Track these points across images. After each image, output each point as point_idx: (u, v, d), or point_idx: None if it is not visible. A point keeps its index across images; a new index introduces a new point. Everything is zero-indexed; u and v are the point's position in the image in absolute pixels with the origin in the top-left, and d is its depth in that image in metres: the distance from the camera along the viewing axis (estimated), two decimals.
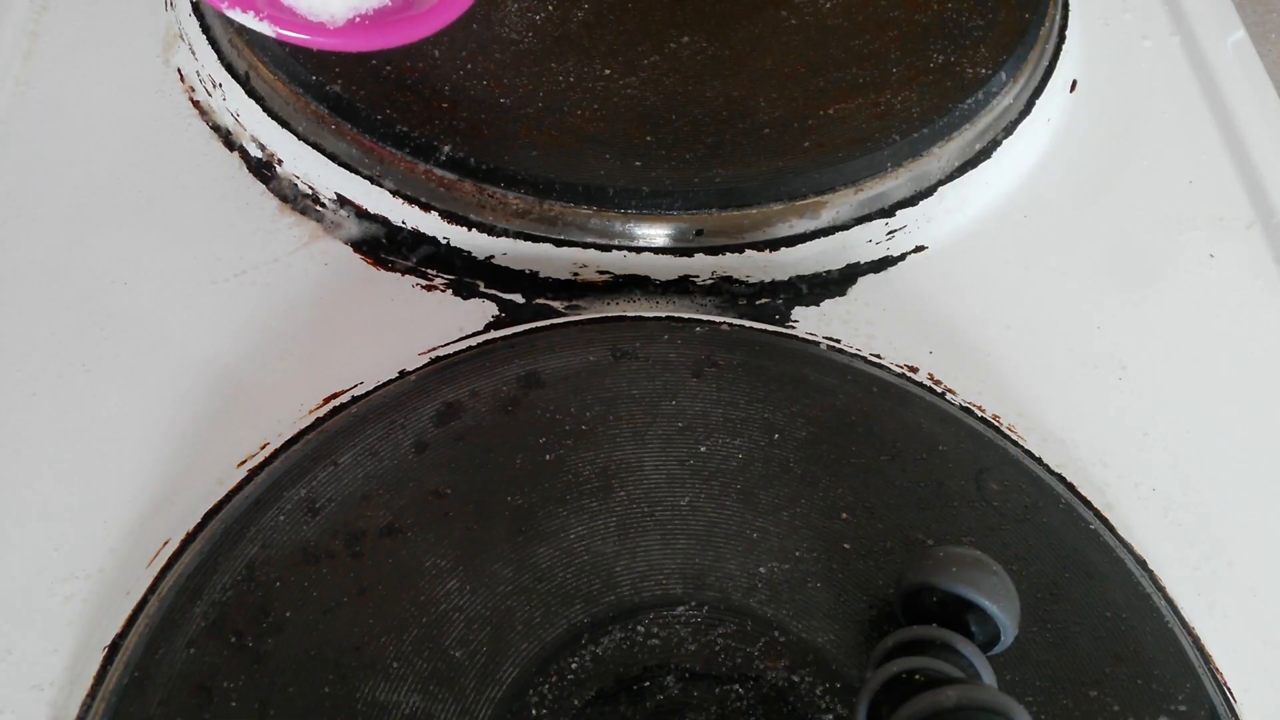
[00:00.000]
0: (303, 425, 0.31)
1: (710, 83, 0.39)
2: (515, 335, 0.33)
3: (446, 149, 0.36)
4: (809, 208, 0.37)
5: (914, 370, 0.35)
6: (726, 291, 0.37)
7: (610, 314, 0.35)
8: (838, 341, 0.35)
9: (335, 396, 0.32)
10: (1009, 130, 0.41)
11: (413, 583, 0.27)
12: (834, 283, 0.37)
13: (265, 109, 0.38)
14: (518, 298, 0.36)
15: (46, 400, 0.32)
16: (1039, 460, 0.32)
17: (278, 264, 0.36)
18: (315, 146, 0.37)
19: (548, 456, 0.30)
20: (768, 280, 0.37)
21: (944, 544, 0.28)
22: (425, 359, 0.33)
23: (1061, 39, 0.44)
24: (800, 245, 0.37)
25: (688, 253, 0.36)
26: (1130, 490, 0.34)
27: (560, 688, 0.26)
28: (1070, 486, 0.32)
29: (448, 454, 0.30)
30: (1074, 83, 0.44)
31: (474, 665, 0.26)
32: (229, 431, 0.32)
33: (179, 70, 0.41)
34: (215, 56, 0.39)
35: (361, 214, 0.37)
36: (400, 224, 0.36)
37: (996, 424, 0.33)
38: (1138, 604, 0.29)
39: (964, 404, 0.34)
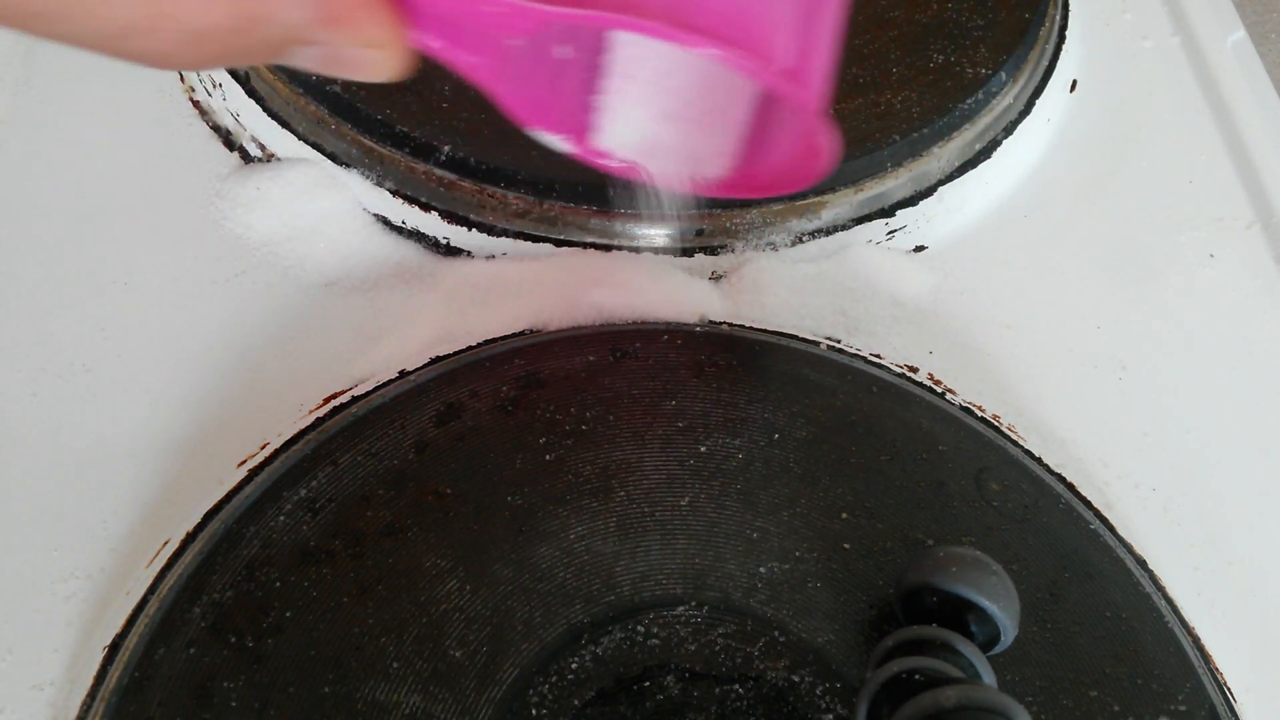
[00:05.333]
0: (303, 425, 0.31)
1: None
2: (515, 335, 0.33)
3: (446, 149, 0.36)
4: (809, 208, 0.37)
5: (914, 370, 0.35)
6: None
7: None
8: (838, 342, 0.35)
9: (335, 396, 0.32)
10: (1009, 130, 0.41)
11: (413, 583, 0.27)
12: None
13: (265, 109, 0.38)
14: None
15: (46, 400, 0.32)
16: (1039, 460, 0.32)
17: None
18: (315, 146, 0.37)
19: (548, 456, 0.30)
20: None
21: (944, 544, 0.28)
22: (425, 359, 0.33)
23: (1061, 39, 0.44)
24: (800, 245, 0.37)
25: (688, 253, 0.36)
26: (1130, 490, 0.34)
27: (560, 688, 0.26)
28: (1070, 486, 0.32)
29: (448, 454, 0.30)
30: (1074, 83, 0.44)
31: (474, 665, 0.26)
32: (229, 431, 0.32)
33: (179, 70, 0.41)
34: None
35: None
36: (400, 224, 0.36)
37: (996, 424, 0.33)
38: (1138, 604, 0.29)
39: (964, 404, 0.34)
